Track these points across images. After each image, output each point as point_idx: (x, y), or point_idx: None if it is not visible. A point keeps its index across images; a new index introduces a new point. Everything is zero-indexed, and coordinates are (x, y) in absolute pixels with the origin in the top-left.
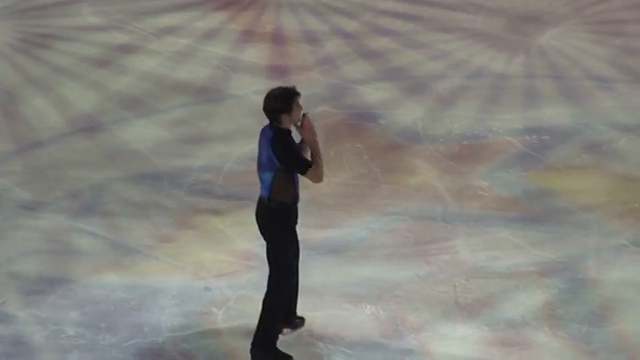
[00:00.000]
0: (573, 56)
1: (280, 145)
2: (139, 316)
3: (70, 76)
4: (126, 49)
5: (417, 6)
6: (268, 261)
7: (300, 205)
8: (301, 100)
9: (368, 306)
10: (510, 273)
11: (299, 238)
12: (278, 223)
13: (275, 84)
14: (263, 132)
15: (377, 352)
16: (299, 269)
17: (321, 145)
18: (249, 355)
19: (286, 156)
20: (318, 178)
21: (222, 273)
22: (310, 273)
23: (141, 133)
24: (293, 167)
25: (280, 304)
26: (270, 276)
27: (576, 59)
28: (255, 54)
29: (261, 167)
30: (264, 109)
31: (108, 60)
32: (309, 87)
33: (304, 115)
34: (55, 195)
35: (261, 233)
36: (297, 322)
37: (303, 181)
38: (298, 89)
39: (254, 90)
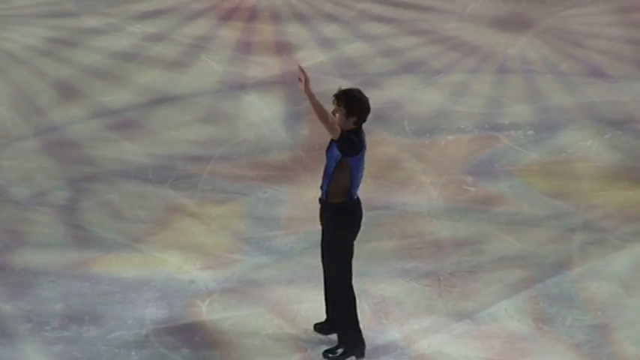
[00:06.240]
0: (563, 50)
1: None
2: (123, 308)
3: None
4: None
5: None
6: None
7: (284, 198)
8: (286, 92)
9: None
10: (494, 267)
11: (284, 233)
12: None
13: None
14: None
15: (365, 351)
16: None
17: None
18: (232, 347)
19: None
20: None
21: (207, 266)
22: (295, 267)
23: (125, 126)
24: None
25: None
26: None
27: (565, 53)
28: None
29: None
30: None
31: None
32: (295, 80)
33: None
34: (40, 188)
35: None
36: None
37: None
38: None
39: (240, 84)
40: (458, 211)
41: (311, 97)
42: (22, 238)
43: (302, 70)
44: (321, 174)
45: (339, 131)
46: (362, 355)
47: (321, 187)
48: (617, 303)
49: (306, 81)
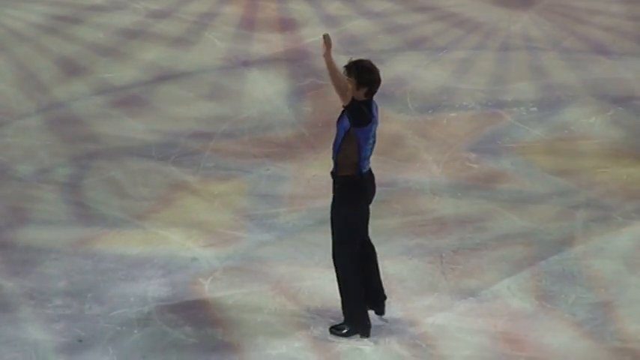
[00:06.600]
0: (566, 26)
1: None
2: (125, 286)
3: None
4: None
5: None
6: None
7: (286, 176)
8: (289, 69)
9: None
10: (497, 244)
11: (287, 210)
12: None
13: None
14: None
15: (371, 330)
16: None
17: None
18: (235, 325)
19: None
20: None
21: (209, 244)
22: (298, 244)
23: (129, 102)
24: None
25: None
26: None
27: (568, 29)
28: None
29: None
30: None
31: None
32: (298, 58)
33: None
34: (43, 165)
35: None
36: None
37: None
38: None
39: (243, 61)
40: (461, 189)
41: (329, 62)
42: (25, 216)
43: (328, 37)
44: (326, 150)
45: (349, 98)
46: (367, 334)
47: (333, 159)
48: (620, 281)
49: (329, 46)
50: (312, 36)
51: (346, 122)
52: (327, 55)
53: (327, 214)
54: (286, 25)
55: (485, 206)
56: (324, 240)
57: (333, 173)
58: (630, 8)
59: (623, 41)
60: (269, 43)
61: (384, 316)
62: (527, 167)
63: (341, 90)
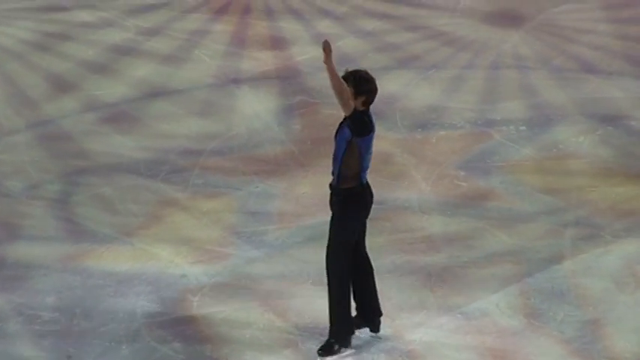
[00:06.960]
0: (555, 45)
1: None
2: (114, 302)
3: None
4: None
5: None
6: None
7: (275, 193)
8: (279, 87)
9: None
10: (486, 262)
11: (276, 227)
12: None
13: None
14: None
15: (352, 340)
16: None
17: (303, 135)
18: (223, 341)
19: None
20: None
21: (198, 260)
22: (286, 261)
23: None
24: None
25: None
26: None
27: (558, 48)
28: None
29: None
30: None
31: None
32: (288, 75)
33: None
34: (32, 181)
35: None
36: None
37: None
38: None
39: (233, 79)
40: (449, 207)
41: (331, 69)
42: (14, 232)
43: (327, 42)
44: (315, 167)
45: (352, 107)
46: (348, 344)
47: (333, 173)
48: (608, 299)
49: (329, 52)
50: (302, 54)
51: (346, 133)
52: (328, 62)
53: (315, 231)
54: (276, 43)
55: (474, 224)
56: (313, 257)
57: (332, 186)
58: (619, 27)
59: (612, 60)
60: (259, 60)
61: (377, 334)
62: (516, 186)
63: (344, 100)
